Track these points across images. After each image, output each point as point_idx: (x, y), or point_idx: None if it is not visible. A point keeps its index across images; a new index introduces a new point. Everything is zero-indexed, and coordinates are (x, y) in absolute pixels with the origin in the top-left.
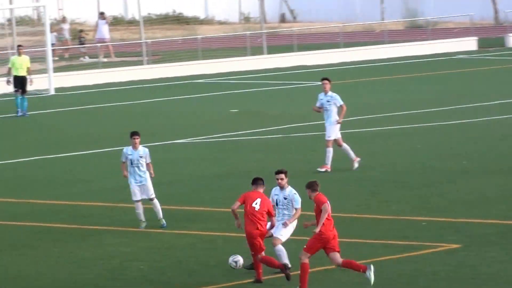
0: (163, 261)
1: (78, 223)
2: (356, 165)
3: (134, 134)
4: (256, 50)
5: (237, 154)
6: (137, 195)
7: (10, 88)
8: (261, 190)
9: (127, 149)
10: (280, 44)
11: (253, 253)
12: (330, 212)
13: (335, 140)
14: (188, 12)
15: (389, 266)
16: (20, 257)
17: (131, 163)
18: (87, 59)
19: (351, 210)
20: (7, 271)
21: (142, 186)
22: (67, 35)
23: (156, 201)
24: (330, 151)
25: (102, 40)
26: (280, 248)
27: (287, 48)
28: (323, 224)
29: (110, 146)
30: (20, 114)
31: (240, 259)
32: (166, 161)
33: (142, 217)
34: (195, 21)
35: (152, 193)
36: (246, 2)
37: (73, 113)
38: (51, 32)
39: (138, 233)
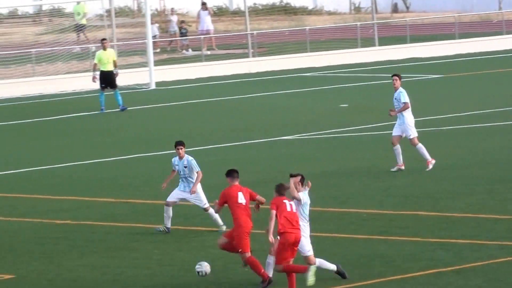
0: None
1: (180, 223)
2: (401, 168)
3: (177, 144)
4: (367, 42)
5: (346, 151)
6: (173, 196)
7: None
8: (236, 182)
9: (175, 159)
10: (392, 35)
11: (241, 250)
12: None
13: (396, 138)
14: (296, 2)
15: (504, 268)
16: (119, 259)
17: (179, 173)
18: (189, 52)
19: (465, 209)
20: (106, 274)
21: (187, 193)
22: (176, 27)
23: (211, 210)
24: (420, 147)
25: (205, 32)
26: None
27: (400, 40)
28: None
29: (213, 143)
30: (103, 110)
31: (203, 267)
32: (271, 158)
33: (168, 224)
34: (303, 11)
35: (205, 203)
36: None
37: (174, 108)
38: (153, 23)
39: None
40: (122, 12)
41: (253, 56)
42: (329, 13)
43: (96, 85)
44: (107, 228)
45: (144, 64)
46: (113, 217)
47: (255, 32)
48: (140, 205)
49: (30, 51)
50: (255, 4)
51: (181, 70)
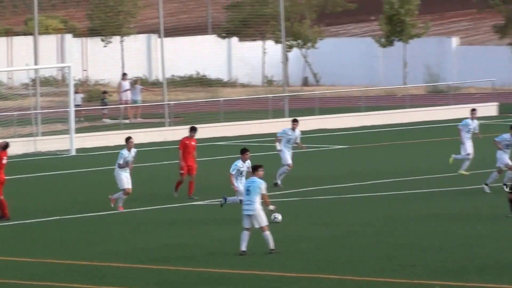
0: None
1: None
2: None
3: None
4: (278, 113)
5: None
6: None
7: None
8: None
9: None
10: (302, 107)
11: None
12: None
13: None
14: (212, 74)
15: None
16: None
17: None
18: (108, 121)
19: (366, 273)
20: None
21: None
22: (139, 97)
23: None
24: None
25: (124, 102)
26: None
27: (309, 111)
28: None
29: (134, 206)
30: None
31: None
32: (179, 222)
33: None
34: (218, 83)
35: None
36: (270, 65)
37: (93, 174)
38: (78, 92)
39: None
40: (46, 81)
41: (170, 125)
42: (243, 85)
43: None
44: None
45: (65, 132)
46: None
47: (172, 102)
48: (57, 265)
49: None
50: (173, 75)
51: (101, 138)
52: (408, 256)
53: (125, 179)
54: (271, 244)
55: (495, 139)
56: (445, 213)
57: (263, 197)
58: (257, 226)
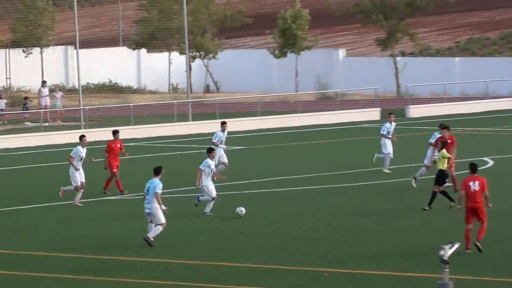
0: None
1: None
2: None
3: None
4: (183, 117)
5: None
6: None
7: None
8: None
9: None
10: (204, 112)
11: None
12: None
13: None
14: (123, 82)
15: None
16: None
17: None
18: (29, 124)
19: (262, 261)
20: None
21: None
22: (59, 102)
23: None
24: None
25: (43, 107)
26: None
27: (210, 116)
28: None
29: (48, 201)
30: None
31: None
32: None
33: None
34: (129, 90)
35: None
36: (175, 74)
37: (16, 171)
38: (1, 98)
39: None
40: None
41: (85, 128)
42: (151, 92)
43: None
44: None
45: None
46: None
47: (87, 107)
48: None
49: None
50: (87, 83)
51: (23, 139)
52: (300, 246)
53: (78, 177)
54: (151, 234)
55: (430, 141)
56: (333, 207)
57: (156, 196)
58: (156, 222)
